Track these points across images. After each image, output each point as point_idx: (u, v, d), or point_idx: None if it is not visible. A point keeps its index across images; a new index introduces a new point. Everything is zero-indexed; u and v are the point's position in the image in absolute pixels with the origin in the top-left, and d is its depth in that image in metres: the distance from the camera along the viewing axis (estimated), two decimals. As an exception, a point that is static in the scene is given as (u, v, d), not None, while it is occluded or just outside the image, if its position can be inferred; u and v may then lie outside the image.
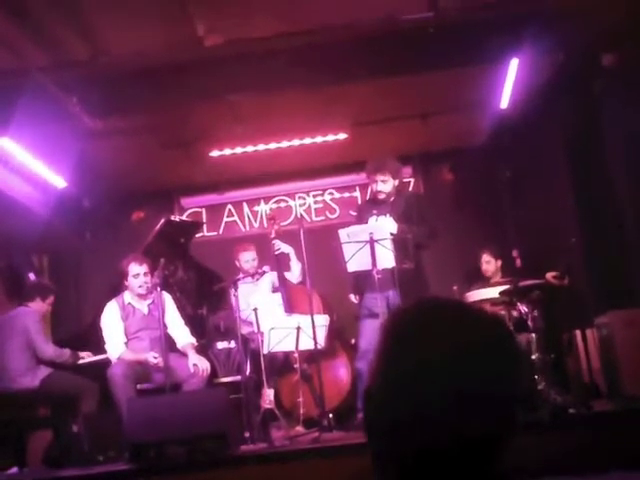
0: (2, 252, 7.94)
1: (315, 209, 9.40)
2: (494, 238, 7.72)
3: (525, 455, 1.81)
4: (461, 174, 8.99)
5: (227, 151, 8.24)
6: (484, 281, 6.95)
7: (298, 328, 6.02)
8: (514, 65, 6.48)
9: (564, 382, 6.05)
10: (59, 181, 7.71)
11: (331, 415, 5.99)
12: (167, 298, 6.25)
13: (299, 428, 5.99)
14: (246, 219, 9.46)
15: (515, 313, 5.68)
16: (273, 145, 8.21)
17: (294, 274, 7.10)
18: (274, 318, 6.30)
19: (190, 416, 4.91)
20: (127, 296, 6.19)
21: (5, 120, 6.13)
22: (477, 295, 6.00)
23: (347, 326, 7.40)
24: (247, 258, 7.13)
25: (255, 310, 6.20)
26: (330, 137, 8.22)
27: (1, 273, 7.92)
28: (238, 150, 8.23)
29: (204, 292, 7.14)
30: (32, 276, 8.04)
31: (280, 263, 7.01)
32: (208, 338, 6.99)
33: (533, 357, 5.27)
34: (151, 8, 5.52)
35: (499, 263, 7.07)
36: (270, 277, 7.13)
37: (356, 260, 5.61)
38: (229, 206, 9.47)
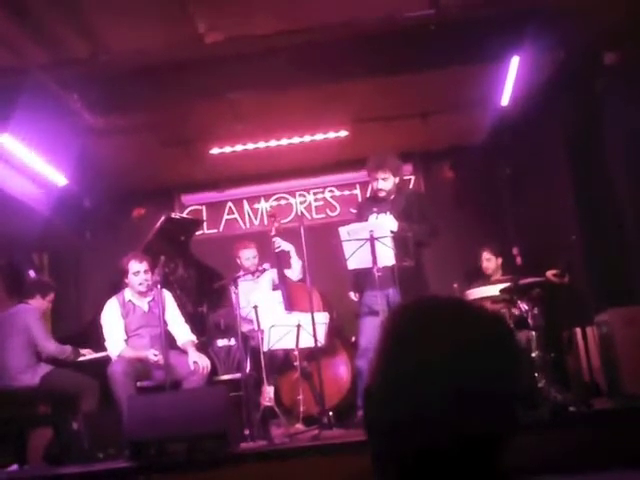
0: (2, 250, 7.94)
1: (315, 207, 9.39)
2: (494, 236, 7.72)
3: (525, 453, 1.81)
4: (461, 172, 8.99)
5: (227, 149, 8.24)
6: (484, 279, 6.95)
7: (298, 326, 6.02)
8: (515, 63, 6.47)
9: (564, 380, 6.05)
10: (60, 179, 7.72)
11: (331, 413, 6.00)
12: (167, 296, 6.25)
13: (299, 426, 5.99)
14: (246, 217, 9.46)
15: (515, 311, 5.67)
16: (273, 142, 8.21)
17: (294, 271, 7.10)
18: (274, 316, 6.30)
19: (190, 414, 4.91)
20: (127, 293, 6.19)
21: (6, 118, 6.13)
22: (477, 293, 5.99)
23: (347, 324, 7.40)
24: (247, 256, 7.14)
25: (255, 308, 6.20)
26: (330, 135, 8.22)
27: (1, 271, 7.93)
28: (238, 148, 8.23)
29: (204, 290, 7.14)
30: (32, 273, 8.04)
31: (280, 261, 7.01)
32: (208, 336, 6.99)
33: (533, 355, 5.27)
34: (151, 6, 5.52)
35: (499, 261, 7.06)
36: (270, 275, 7.13)
37: (356, 258, 5.61)
38: (229, 204, 9.47)
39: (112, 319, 6.08)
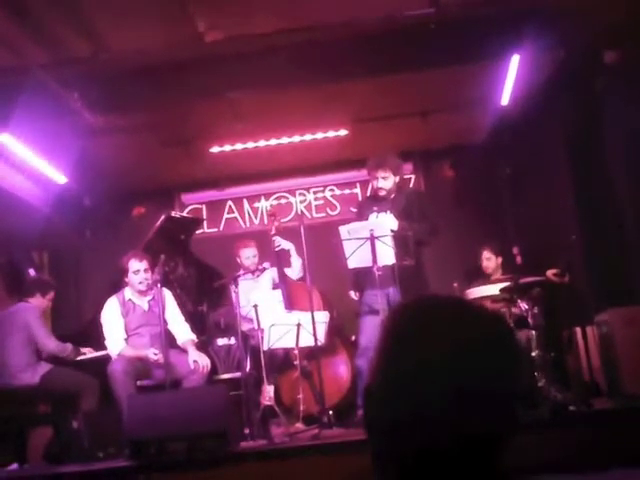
0: (2, 248, 7.95)
1: (315, 206, 9.39)
2: (494, 235, 7.71)
3: (525, 453, 1.81)
4: (461, 171, 8.99)
5: (227, 147, 8.24)
6: (484, 278, 6.94)
7: (298, 325, 6.02)
8: (515, 62, 6.47)
9: (564, 380, 6.05)
10: (60, 178, 7.72)
11: (331, 412, 6.00)
12: (167, 294, 6.26)
13: (299, 425, 5.99)
14: (246, 215, 9.45)
15: (515, 310, 5.67)
16: (273, 141, 8.21)
17: (294, 270, 7.10)
18: (274, 315, 6.30)
19: (190, 413, 4.91)
20: (127, 292, 6.19)
21: (6, 117, 6.13)
22: (477, 292, 6.00)
23: (347, 323, 7.40)
24: (248, 255, 7.13)
25: (255, 307, 6.20)
26: (330, 134, 8.22)
27: (1, 269, 7.93)
28: (238, 146, 8.23)
29: (204, 288, 7.14)
30: (32, 272, 8.05)
31: (280, 259, 7.01)
32: (208, 335, 7.00)
33: (533, 354, 5.28)
34: (151, 6, 5.52)
35: (499, 260, 7.06)
36: (270, 274, 7.13)
37: (356, 257, 5.61)
38: (229, 202, 9.47)
39: (112, 318, 6.08)
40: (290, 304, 6.74)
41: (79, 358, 6.34)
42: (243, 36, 5.96)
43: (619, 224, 6.69)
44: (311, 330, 5.89)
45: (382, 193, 6.05)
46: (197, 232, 7.81)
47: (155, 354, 5.81)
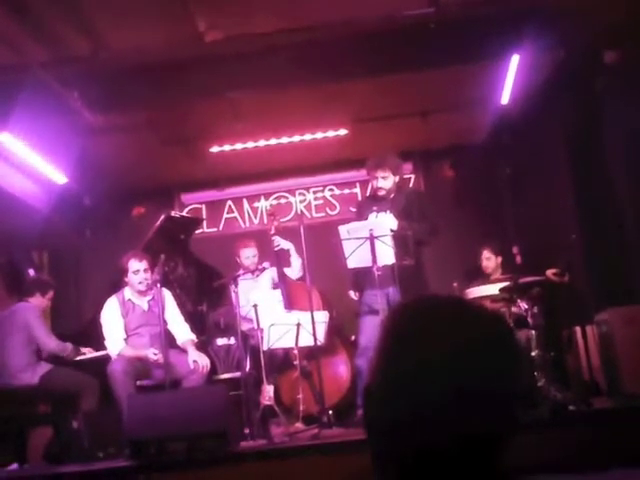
0: (2, 248, 7.94)
1: (315, 205, 9.39)
2: (494, 235, 7.71)
3: (525, 452, 1.81)
4: (461, 171, 8.99)
5: (227, 147, 8.24)
6: (484, 278, 6.94)
7: (298, 324, 6.02)
8: (515, 62, 6.47)
9: (564, 379, 6.05)
10: (60, 177, 7.71)
11: (331, 412, 6.00)
12: (167, 294, 6.26)
13: (299, 425, 6.00)
14: (246, 215, 9.45)
15: (515, 310, 5.67)
16: (273, 141, 8.21)
17: (294, 269, 7.10)
18: (274, 315, 6.30)
19: (190, 413, 4.91)
20: (127, 292, 6.19)
21: (5, 115, 6.12)
22: (477, 292, 6.00)
23: (347, 323, 7.40)
24: (247, 254, 7.13)
25: (255, 306, 6.20)
26: (330, 133, 8.22)
27: (1, 269, 7.93)
28: (238, 146, 8.23)
29: (204, 288, 7.14)
30: (31, 272, 8.04)
31: (280, 259, 7.01)
32: (208, 334, 6.99)
33: (533, 354, 5.28)
34: (152, 5, 5.52)
35: (499, 260, 7.06)
36: (270, 273, 7.13)
37: (356, 256, 5.61)
38: (229, 202, 9.47)
39: (112, 318, 6.08)
40: (290, 304, 6.74)
41: (79, 358, 6.34)
42: (243, 36, 5.96)
43: (619, 224, 6.69)
44: (311, 330, 5.89)
45: (382, 193, 6.05)
46: (197, 232, 7.81)
47: (155, 354, 5.80)
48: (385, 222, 5.79)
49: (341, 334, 7.41)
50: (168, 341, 5.89)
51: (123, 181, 8.77)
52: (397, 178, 6.08)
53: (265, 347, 6.02)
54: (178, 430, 4.89)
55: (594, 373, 6.14)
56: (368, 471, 1.13)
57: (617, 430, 4.32)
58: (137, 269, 6.09)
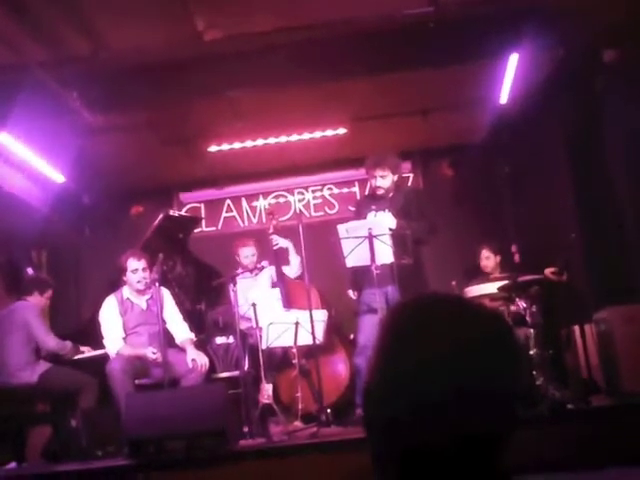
0: (1, 247, 7.94)
1: (314, 204, 9.39)
2: (493, 234, 7.71)
3: (524, 451, 1.81)
4: (461, 170, 8.98)
5: (226, 146, 8.23)
6: (483, 276, 6.94)
7: (297, 323, 6.02)
8: (514, 61, 6.47)
9: (562, 377, 6.05)
10: (58, 177, 7.71)
11: (329, 410, 5.99)
12: (165, 293, 6.26)
13: (297, 423, 6.00)
14: (245, 214, 9.45)
15: (514, 308, 5.67)
16: (272, 140, 8.20)
17: (293, 267, 7.10)
18: (273, 313, 6.30)
19: (189, 412, 4.91)
20: (126, 291, 6.19)
21: (4, 115, 6.12)
22: (476, 290, 6.00)
23: (346, 321, 7.40)
24: (246, 254, 7.13)
25: (253, 305, 6.20)
26: (329, 132, 8.21)
27: (0, 268, 7.92)
28: (237, 145, 8.22)
29: (203, 287, 7.14)
30: (30, 271, 8.04)
31: (279, 258, 7.02)
32: (207, 333, 7.00)
33: (531, 352, 5.28)
34: (151, 4, 5.51)
35: (498, 259, 7.06)
36: (269, 272, 7.13)
37: (355, 255, 5.61)
38: (228, 201, 9.46)
39: (110, 317, 6.08)
40: (288, 303, 6.74)
41: (77, 357, 6.35)
42: (242, 35, 5.95)
43: (619, 224, 6.69)
44: (309, 329, 5.89)
45: (380, 192, 6.05)
46: (195, 231, 7.81)
47: (153, 353, 5.81)
48: (384, 221, 5.79)
49: (340, 333, 7.42)
50: (167, 340, 5.89)
51: (122, 180, 8.77)
52: (396, 177, 6.08)
53: (264, 346, 6.02)
54: (177, 429, 4.89)
55: (592, 371, 6.14)
56: (367, 470, 1.14)
57: (616, 428, 4.32)
58: (136, 268, 6.09)
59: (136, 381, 5.88)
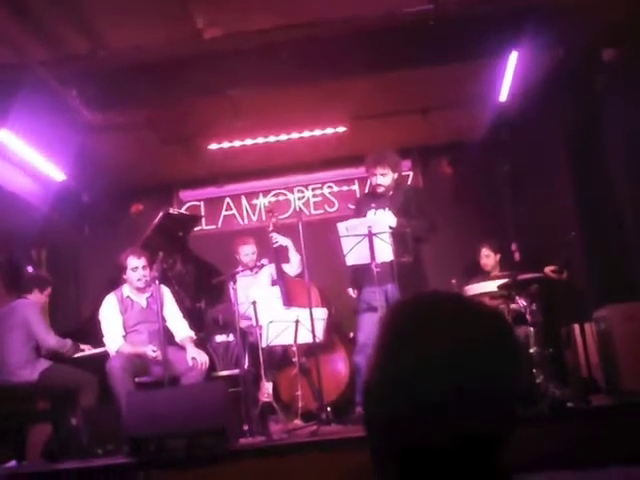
0: (1, 245, 7.94)
1: (314, 202, 9.39)
2: (493, 232, 7.71)
3: (523, 449, 1.81)
4: (460, 168, 8.98)
5: (226, 145, 8.23)
6: (483, 275, 6.94)
7: (297, 321, 6.02)
8: (513, 59, 6.47)
9: (562, 376, 6.05)
10: (58, 174, 7.71)
11: (329, 408, 5.99)
12: (165, 291, 6.25)
13: (297, 421, 6.01)
14: (244, 212, 9.45)
15: (514, 307, 5.67)
16: (272, 138, 8.20)
17: (293, 265, 7.10)
18: (273, 311, 6.30)
19: (189, 410, 4.91)
20: (126, 289, 6.19)
21: (4, 113, 6.12)
22: (476, 289, 6.00)
23: (346, 320, 7.40)
24: (246, 252, 7.13)
25: (253, 303, 6.20)
26: (329, 130, 8.21)
27: (0, 266, 7.92)
28: (237, 143, 8.22)
29: (202, 285, 7.14)
30: (30, 269, 8.04)
31: (278, 256, 7.02)
32: (207, 331, 7.00)
33: (531, 351, 5.28)
34: (150, 3, 5.51)
35: (498, 257, 7.05)
36: (269, 270, 7.13)
37: (355, 254, 5.61)
38: (227, 199, 9.46)
39: (110, 315, 6.08)
40: (288, 301, 6.74)
41: (77, 355, 6.35)
42: (242, 33, 5.95)
43: (619, 220, 6.69)
44: (309, 327, 5.90)
45: (380, 190, 6.05)
46: (195, 229, 7.81)
47: (153, 351, 5.80)
48: (384, 219, 5.79)
49: (340, 331, 7.42)
50: (167, 338, 5.88)
51: (121, 178, 8.76)
52: (396, 175, 6.08)
53: (264, 344, 6.03)
54: (177, 427, 4.90)
55: (592, 370, 6.14)
56: (367, 468, 1.14)
57: (615, 427, 4.32)
58: (136, 266, 6.09)
59: (136, 379, 5.87)
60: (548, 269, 6.20)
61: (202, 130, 7.90)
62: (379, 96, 7.30)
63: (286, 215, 8.97)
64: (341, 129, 8.17)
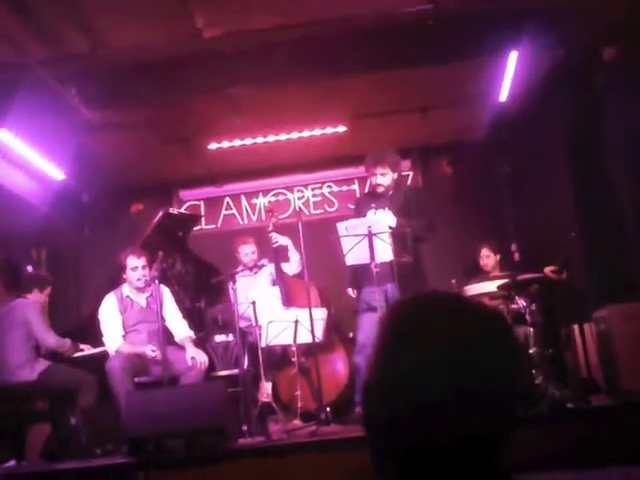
0: (1, 245, 7.94)
1: (313, 202, 9.38)
2: (493, 232, 7.71)
3: (523, 450, 1.81)
4: (460, 168, 8.98)
5: (225, 144, 8.23)
6: (482, 275, 6.94)
7: (296, 321, 6.02)
8: (513, 58, 6.46)
9: (562, 377, 6.05)
10: (58, 174, 7.71)
11: (328, 409, 5.99)
12: (165, 291, 6.25)
13: (297, 422, 6.00)
14: (244, 212, 9.44)
15: (513, 307, 5.67)
16: (272, 138, 8.20)
17: (293, 264, 7.09)
18: (272, 311, 6.30)
19: (188, 410, 4.91)
20: (125, 289, 6.19)
21: (3, 113, 6.12)
22: (475, 289, 5.99)
23: (345, 320, 7.40)
24: (246, 251, 7.12)
25: (253, 303, 6.20)
26: (329, 130, 8.21)
27: (0, 266, 7.92)
28: (237, 143, 8.22)
29: (202, 285, 7.14)
30: (30, 268, 8.04)
31: (278, 256, 7.01)
32: (206, 331, 6.99)
33: (531, 351, 5.28)
34: (150, 2, 5.51)
35: (498, 257, 7.05)
36: (269, 270, 7.13)
37: (354, 253, 5.61)
38: (227, 199, 9.45)
39: (110, 315, 6.08)
40: (288, 301, 6.74)
41: (77, 355, 6.35)
42: (241, 32, 5.94)
43: (619, 221, 6.69)
44: (309, 327, 5.89)
45: (380, 190, 6.05)
46: (195, 229, 7.80)
47: (153, 351, 5.80)
48: (383, 219, 5.78)
49: (339, 331, 7.42)
50: (166, 338, 5.88)
51: (121, 178, 8.76)
52: (396, 175, 6.08)
53: (263, 344, 6.02)
54: (176, 427, 4.89)
55: (592, 370, 6.14)
56: (366, 468, 1.13)
57: (615, 427, 4.32)
58: (135, 266, 6.09)
59: (135, 379, 5.87)
60: (548, 269, 6.20)
61: (202, 130, 7.89)
62: (379, 95, 7.29)
63: (286, 215, 8.97)
64: (341, 128, 8.17)
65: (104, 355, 6.02)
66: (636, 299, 6.00)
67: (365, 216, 5.97)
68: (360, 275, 5.99)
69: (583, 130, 7.11)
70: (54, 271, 8.07)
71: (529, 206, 8.04)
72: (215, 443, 4.82)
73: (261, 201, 9.40)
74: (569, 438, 4.25)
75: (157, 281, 5.85)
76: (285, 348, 6.50)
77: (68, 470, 5.00)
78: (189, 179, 9.28)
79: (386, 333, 1.14)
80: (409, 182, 8.90)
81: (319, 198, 9.39)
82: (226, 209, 9.45)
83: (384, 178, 6.01)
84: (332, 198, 9.35)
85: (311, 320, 5.86)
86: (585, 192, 7.11)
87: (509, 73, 6.77)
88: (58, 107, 6.21)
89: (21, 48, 5.83)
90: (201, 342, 6.58)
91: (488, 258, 7.06)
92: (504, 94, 7.20)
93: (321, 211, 9.32)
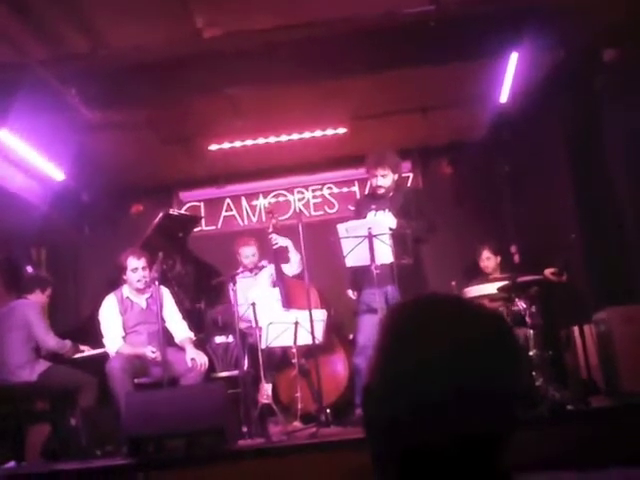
0: (1, 245, 7.93)
1: (314, 204, 9.38)
2: (493, 233, 7.70)
3: (523, 451, 1.80)
4: (460, 168, 8.97)
5: (226, 145, 8.22)
6: (483, 276, 6.93)
7: (296, 323, 6.01)
8: (514, 59, 6.46)
9: (562, 378, 6.05)
10: (58, 174, 7.71)
11: (329, 410, 6.00)
12: (165, 292, 6.25)
13: (297, 423, 6.00)
14: (244, 213, 9.44)
15: (513, 309, 5.66)
16: (272, 139, 8.20)
17: (293, 265, 7.08)
18: (272, 313, 6.29)
19: (188, 410, 4.91)
20: (125, 290, 6.18)
21: (4, 112, 6.12)
22: (476, 291, 5.99)
23: (345, 321, 7.40)
24: (247, 253, 7.11)
25: (253, 305, 6.19)
26: (329, 131, 8.21)
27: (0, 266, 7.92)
28: (237, 144, 8.22)
29: (202, 286, 7.13)
30: (29, 269, 8.03)
31: (278, 257, 7.01)
32: (206, 332, 6.99)
33: (531, 353, 5.27)
34: (150, 2, 5.50)
35: (499, 259, 7.04)
36: (269, 271, 7.12)
37: (354, 255, 5.60)
38: (227, 200, 9.45)
39: (110, 316, 6.07)
40: (288, 302, 6.74)
41: (77, 356, 6.35)
42: (242, 32, 5.94)
43: (619, 222, 6.69)
44: (309, 328, 5.89)
45: (381, 191, 6.04)
46: (195, 230, 7.80)
47: (153, 352, 5.80)
48: (384, 221, 5.78)
49: (339, 333, 7.41)
50: (166, 339, 5.88)
51: (121, 178, 8.76)
52: (396, 176, 6.07)
53: (263, 345, 6.02)
54: (176, 428, 4.89)
55: (592, 372, 6.14)
56: (367, 470, 1.13)
57: (615, 429, 4.32)
58: (135, 267, 6.08)
59: (135, 380, 5.87)
60: (548, 271, 6.20)
61: (202, 130, 7.89)
62: (379, 96, 7.29)
63: (286, 216, 8.96)
64: (341, 130, 8.17)
65: (104, 356, 6.02)
66: (636, 301, 6.00)
67: (365, 217, 5.96)
68: (360, 277, 5.98)
69: (583, 131, 7.11)
70: (54, 271, 8.08)
71: (529, 206, 8.03)
72: (215, 444, 4.82)
73: (261, 202, 9.39)
74: (569, 439, 4.25)
75: (157, 282, 5.85)
76: (285, 350, 6.49)
77: (68, 471, 5.00)
78: (189, 180, 9.27)
79: (386, 335, 1.14)
80: (409, 184, 8.90)
81: (319, 199, 9.39)
82: (226, 210, 9.44)
83: (384, 180, 6.00)
84: (332, 199, 9.35)
85: (311, 322, 5.86)
86: (585, 192, 7.10)
87: (509, 74, 6.77)
88: (58, 107, 6.22)
89: (21, 48, 5.83)
90: (201, 343, 6.58)
91: (489, 260, 7.05)
92: (504, 95, 7.20)
93: (321, 212, 9.31)
